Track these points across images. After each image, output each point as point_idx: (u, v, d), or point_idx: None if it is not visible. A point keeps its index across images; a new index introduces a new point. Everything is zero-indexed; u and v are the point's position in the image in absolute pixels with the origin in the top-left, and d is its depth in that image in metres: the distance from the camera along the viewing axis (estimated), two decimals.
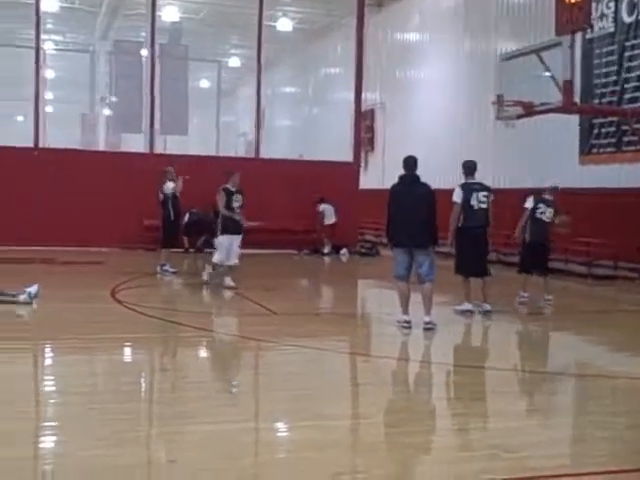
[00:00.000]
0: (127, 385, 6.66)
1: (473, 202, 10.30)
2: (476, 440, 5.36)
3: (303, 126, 31.76)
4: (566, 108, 11.69)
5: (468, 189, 10.36)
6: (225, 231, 12.29)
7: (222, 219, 12.24)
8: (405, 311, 9.26)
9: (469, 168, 10.59)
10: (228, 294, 11.90)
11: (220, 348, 8.61)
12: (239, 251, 12.37)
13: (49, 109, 25.53)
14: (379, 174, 24.66)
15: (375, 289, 14.72)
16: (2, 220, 17.79)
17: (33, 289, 10.25)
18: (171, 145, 25.77)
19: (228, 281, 12.24)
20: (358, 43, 21.13)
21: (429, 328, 9.08)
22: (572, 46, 11.07)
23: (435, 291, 9.41)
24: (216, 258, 12.42)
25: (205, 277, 12.75)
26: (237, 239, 12.33)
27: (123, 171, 18.71)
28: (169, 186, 14.31)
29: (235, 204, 12.18)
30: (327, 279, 16.52)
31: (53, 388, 6.55)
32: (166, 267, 14.20)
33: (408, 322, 9.15)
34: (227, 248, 12.23)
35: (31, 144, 19.47)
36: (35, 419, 5.58)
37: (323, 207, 19.79)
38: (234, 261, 12.34)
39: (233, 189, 12.24)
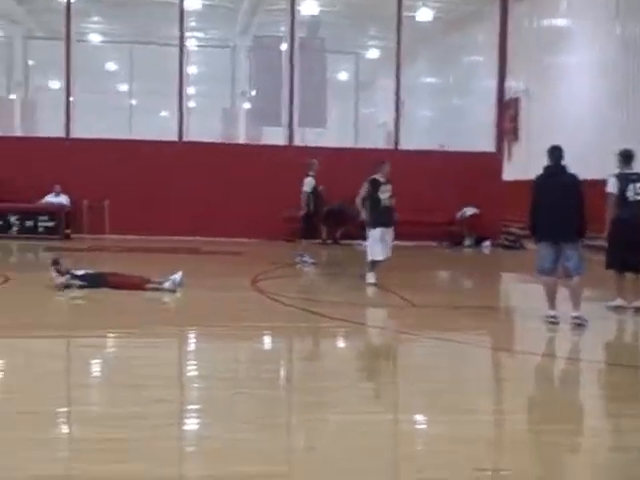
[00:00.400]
0: (268, 372, 6.70)
1: (629, 193, 9.72)
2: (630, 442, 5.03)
3: (444, 116, 31.22)
4: None
5: (624, 179, 9.79)
6: (376, 224, 11.59)
7: (371, 212, 11.59)
8: (552, 306, 8.87)
9: (627, 157, 9.97)
10: (369, 286, 11.74)
11: (359, 339, 8.52)
12: (391, 244, 11.76)
13: (191, 104, 26.25)
14: (523, 164, 23.91)
15: (519, 283, 14.25)
16: (149, 212, 18.47)
17: (177, 277, 10.51)
18: (310, 137, 25.95)
19: (370, 277, 11.65)
20: (502, 31, 20.62)
21: (578, 324, 8.65)
22: None
23: (583, 286, 8.99)
24: (370, 255, 11.69)
25: (371, 280, 11.66)
26: (389, 232, 11.70)
27: (263, 163, 18.99)
28: (309, 182, 14.52)
29: (384, 195, 11.58)
30: (468, 271, 16.15)
31: (196, 373, 6.66)
32: (305, 258, 14.29)
33: (555, 317, 8.76)
34: (380, 241, 11.57)
35: (175, 138, 20.09)
36: (179, 402, 5.68)
37: None
38: (386, 255, 11.67)
39: (382, 180, 11.66)
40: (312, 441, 4.85)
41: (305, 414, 5.45)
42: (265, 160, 19.13)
